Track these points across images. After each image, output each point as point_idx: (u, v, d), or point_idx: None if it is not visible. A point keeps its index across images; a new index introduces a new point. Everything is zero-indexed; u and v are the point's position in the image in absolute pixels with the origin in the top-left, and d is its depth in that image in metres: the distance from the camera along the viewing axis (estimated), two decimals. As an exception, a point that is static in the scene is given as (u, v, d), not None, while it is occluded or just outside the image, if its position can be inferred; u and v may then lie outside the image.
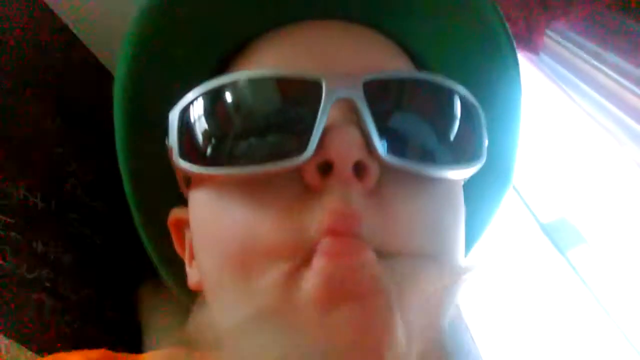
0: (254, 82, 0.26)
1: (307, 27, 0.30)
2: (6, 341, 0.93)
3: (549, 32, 1.00)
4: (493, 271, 0.99)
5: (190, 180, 0.29)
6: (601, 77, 0.83)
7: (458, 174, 0.27)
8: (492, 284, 0.97)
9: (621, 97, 0.84)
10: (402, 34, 0.31)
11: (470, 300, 0.97)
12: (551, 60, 0.97)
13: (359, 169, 0.23)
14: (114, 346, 1.18)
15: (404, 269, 0.23)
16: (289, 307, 0.22)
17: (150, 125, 0.31)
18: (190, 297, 0.35)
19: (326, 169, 0.24)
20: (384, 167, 0.24)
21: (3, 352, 0.92)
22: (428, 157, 0.26)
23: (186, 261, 0.33)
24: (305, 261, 0.23)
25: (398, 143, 0.25)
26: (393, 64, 0.29)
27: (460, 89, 0.27)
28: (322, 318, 0.22)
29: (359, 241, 0.22)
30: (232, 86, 0.26)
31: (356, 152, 0.23)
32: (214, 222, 0.26)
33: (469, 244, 0.32)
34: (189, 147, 0.26)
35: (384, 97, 0.26)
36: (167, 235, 0.34)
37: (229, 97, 0.26)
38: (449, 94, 0.27)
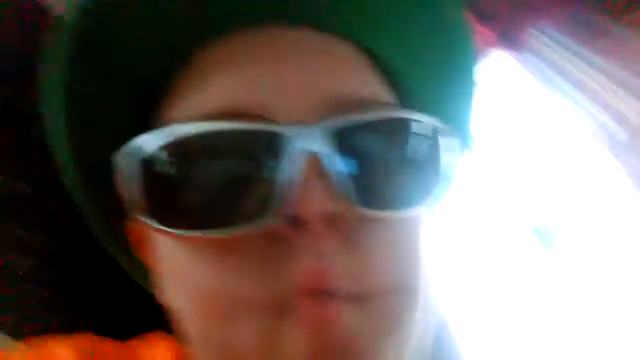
0: (213, 135, 0.24)
1: (262, 39, 0.27)
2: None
3: (532, 30, 1.02)
4: (479, 279, 1.00)
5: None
6: (583, 77, 0.85)
7: (426, 208, 0.27)
8: (480, 290, 0.99)
9: (603, 98, 0.86)
10: (365, 38, 0.29)
11: (458, 308, 0.98)
12: (534, 58, 0.98)
13: (330, 220, 0.23)
14: (99, 333, 1.17)
15: (379, 308, 0.24)
16: (273, 355, 0.23)
17: (92, 130, 0.29)
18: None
19: (297, 221, 0.23)
20: (354, 214, 0.24)
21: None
22: (398, 200, 0.25)
23: (151, 268, 0.32)
24: (284, 316, 0.23)
25: (368, 191, 0.24)
26: (363, 83, 0.28)
27: (428, 120, 0.26)
28: None
29: (335, 300, 0.22)
30: (187, 139, 0.24)
31: (324, 206, 0.22)
32: (183, 273, 0.25)
33: None
34: (153, 204, 0.24)
35: (350, 143, 0.24)
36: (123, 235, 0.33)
37: (189, 150, 0.24)
38: (415, 128, 0.26)
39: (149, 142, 0.24)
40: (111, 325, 1.20)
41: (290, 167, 0.23)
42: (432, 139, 0.27)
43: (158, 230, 0.25)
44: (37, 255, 1.08)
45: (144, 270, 0.33)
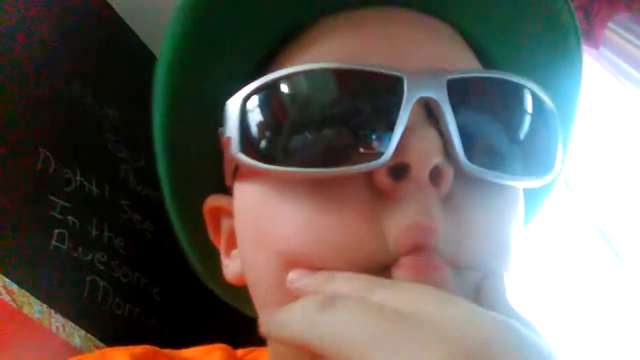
0: (327, 74, 0.24)
1: (379, 13, 0.27)
2: (62, 320, 0.98)
3: (610, 24, 0.95)
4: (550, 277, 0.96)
5: (238, 171, 0.27)
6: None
7: (531, 184, 0.25)
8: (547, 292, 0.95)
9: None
10: (467, 25, 0.29)
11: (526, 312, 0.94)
12: (612, 54, 0.92)
13: (434, 174, 0.22)
14: (161, 330, 1.22)
15: (475, 284, 0.23)
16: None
17: (191, 109, 0.30)
18: (223, 286, 0.34)
19: (400, 171, 0.22)
20: (459, 173, 0.23)
21: (60, 330, 0.97)
22: (505, 165, 0.24)
23: (222, 251, 0.32)
24: (380, 271, 0.22)
25: (477, 149, 0.23)
26: (466, 60, 0.27)
27: (541, 93, 0.25)
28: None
29: (438, 258, 0.21)
30: (303, 77, 0.24)
31: (435, 156, 0.22)
32: (272, 220, 0.24)
33: None
34: (252, 141, 0.24)
35: (467, 98, 0.24)
36: (200, 221, 0.33)
37: (298, 88, 0.24)
38: (530, 97, 0.25)
39: (260, 82, 0.25)
40: (171, 322, 1.24)
41: (407, 114, 0.22)
42: (543, 115, 0.26)
43: (257, 171, 0.24)
44: (106, 251, 1.13)
45: (211, 262, 0.33)
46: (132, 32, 1.44)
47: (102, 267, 1.11)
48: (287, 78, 0.24)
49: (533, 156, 0.25)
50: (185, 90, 0.29)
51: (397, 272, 0.21)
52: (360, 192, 0.23)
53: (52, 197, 1.06)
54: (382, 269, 0.22)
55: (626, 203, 0.93)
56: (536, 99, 0.25)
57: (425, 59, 0.25)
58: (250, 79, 0.26)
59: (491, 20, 0.29)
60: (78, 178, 1.13)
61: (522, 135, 0.25)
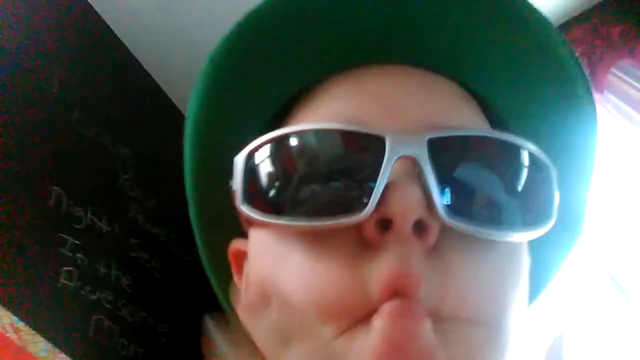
0: (318, 135, 0.26)
1: (379, 71, 0.30)
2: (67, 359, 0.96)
3: (614, 70, 0.97)
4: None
5: (242, 218, 0.30)
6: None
7: (523, 237, 0.26)
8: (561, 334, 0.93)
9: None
10: (472, 82, 0.30)
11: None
12: (616, 99, 0.94)
13: (419, 227, 0.23)
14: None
15: (457, 336, 0.23)
16: None
17: (217, 163, 0.32)
18: None
19: (386, 224, 0.23)
20: (445, 226, 0.24)
21: (64, 369, 0.95)
22: (492, 219, 0.25)
23: (242, 292, 0.33)
24: (363, 319, 0.23)
25: (460, 203, 0.24)
26: (461, 115, 0.28)
27: (531, 147, 0.26)
28: None
29: (418, 306, 0.22)
30: (296, 136, 0.26)
31: (417, 211, 0.23)
32: (272, 268, 0.26)
33: (533, 295, 0.31)
34: (252, 193, 0.27)
35: (448, 155, 0.25)
36: (228, 265, 0.35)
37: (293, 147, 0.26)
38: (518, 152, 0.26)
39: (262, 140, 0.27)
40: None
41: (389, 170, 0.24)
42: (535, 169, 0.26)
43: (258, 222, 0.27)
44: (113, 289, 1.13)
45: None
46: (148, 74, 1.48)
47: (108, 306, 1.10)
48: (282, 138, 0.27)
49: (523, 210, 0.26)
50: (208, 146, 0.33)
51: (375, 322, 0.22)
52: (349, 244, 0.24)
53: (62, 234, 1.06)
54: (365, 317, 0.23)
55: (637, 247, 0.92)
56: (525, 154, 0.26)
57: (417, 115, 0.27)
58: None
59: (494, 73, 0.30)
60: (89, 216, 1.14)
61: (511, 190, 0.26)
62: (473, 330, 0.23)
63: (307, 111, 0.30)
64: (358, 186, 0.25)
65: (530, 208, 0.26)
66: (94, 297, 1.08)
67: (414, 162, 0.24)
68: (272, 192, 0.26)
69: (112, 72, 1.39)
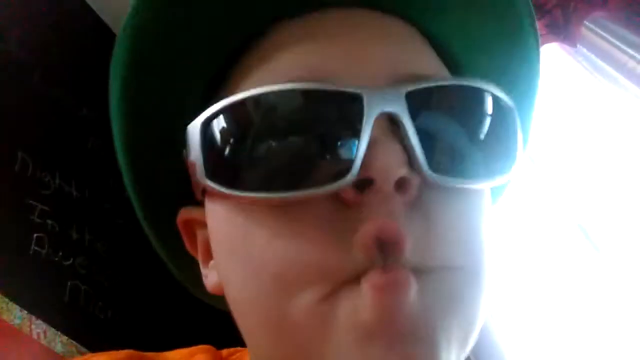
0: (285, 94, 0.24)
1: (333, 16, 0.27)
2: (44, 326, 0.96)
3: (587, 22, 0.97)
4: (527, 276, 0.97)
5: (205, 189, 0.27)
6: (642, 70, 0.80)
7: (495, 183, 0.26)
8: (527, 285, 0.96)
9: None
10: (426, 23, 0.29)
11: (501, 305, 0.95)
12: (589, 52, 0.94)
13: (400, 184, 0.22)
14: (144, 332, 1.20)
15: (440, 284, 0.23)
16: (324, 327, 0.22)
17: (153, 130, 0.30)
18: (204, 294, 0.34)
19: (363, 184, 0.22)
20: (424, 180, 0.23)
21: (41, 336, 0.95)
22: (468, 170, 0.25)
23: (200, 260, 0.32)
24: (347, 282, 0.22)
25: (440, 157, 0.24)
26: (427, 62, 0.28)
27: (498, 92, 0.26)
28: (358, 350, 0.21)
29: (404, 271, 0.22)
30: (263, 98, 0.24)
31: (399, 169, 0.22)
32: (244, 239, 0.25)
33: None
34: (216, 165, 0.25)
35: (425, 108, 0.24)
36: (175, 232, 0.33)
37: (258, 111, 0.24)
38: (488, 99, 0.26)
39: (220, 106, 0.24)
40: (156, 325, 1.23)
41: (365, 129, 0.23)
42: (501, 113, 0.26)
43: (224, 195, 0.24)
44: (87, 255, 1.12)
45: (191, 270, 0.33)
46: (112, 33, 1.42)
47: (83, 272, 1.09)
48: (245, 101, 0.24)
49: (495, 156, 0.26)
50: (142, 110, 0.29)
51: (364, 290, 0.22)
52: (325, 209, 0.23)
53: (30, 201, 1.04)
54: (353, 279, 0.22)
55: (606, 199, 0.95)
56: (495, 100, 0.26)
57: (383, 64, 0.26)
58: (210, 93, 0.26)
59: (450, 16, 0.29)
60: (57, 181, 1.11)
61: (484, 138, 0.25)
62: (456, 275, 0.23)
63: (258, 67, 0.27)
64: (336, 149, 0.23)
65: (501, 154, 0.26)
66: (67, 262, 1.07)
67: (392, 118, 0.23)
68: (239, 164, 0.24)
69: (76, 34, 1.33)
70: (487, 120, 0.26)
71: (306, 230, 0.23)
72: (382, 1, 0.28)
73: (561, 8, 1.03)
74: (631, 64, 0.84)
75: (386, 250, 0.22)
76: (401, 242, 0.22)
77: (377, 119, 0.23)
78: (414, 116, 0.23)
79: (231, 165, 0.24)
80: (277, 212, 0.24)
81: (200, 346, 0.38)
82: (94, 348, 1.02)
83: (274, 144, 0.24)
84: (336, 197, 0.23)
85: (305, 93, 0.24)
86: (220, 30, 0.28)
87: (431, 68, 0.28)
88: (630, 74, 0.85)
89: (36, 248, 1.02)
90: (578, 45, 0.98)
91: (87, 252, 1.12)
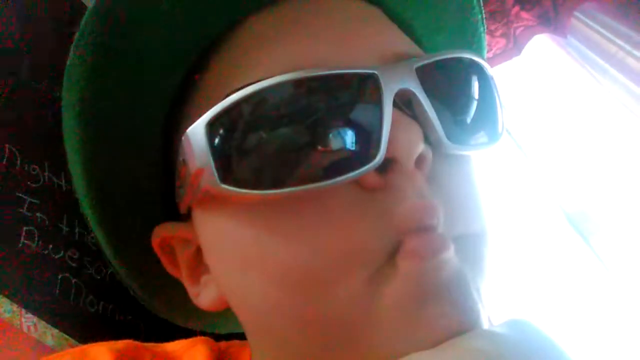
0: (299, 84, 0.22)
1: (297, 7, 0.27)
2: (35, 320, 0.96)
3: (577, 13, 0.97)
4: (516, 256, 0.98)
5: (196, 198, 0.26)
6: (632, 61, 0.81)
7: (493, 148, 0.27)
8: (515, 271, 0.97)
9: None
10: (392, 4, 0.30)
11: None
12: (579, 43, 0.94)
13: (419, 160, 0.23)
14: (137, 326, 1.20)
15: (470, 250, 0.24)
16: (372, 314, 0.22)
17: (116, 139, 0.28)
18: (177, 313, 0.35)
19: (385, 165, 0.22)
20: (435, 152, 0.24)
21: (32, 329, 0.95)
22: (475, 137, 0.26)
23: (185, 280, 0.30)
24: (384, 265, 0.22)
25: (452, 128, 0.24)
26: (406, 40, 0.29)
27: (484, 64, 0.27)
28: (418, 315, 0.22)
29: (441, 236, 0.22)
30: (275, 91, 0.22)
31: (419, 147, 0.23)
32: (258, 244, 0.23)
33: None
34: (232, 167, 0.23)
35: (432, 82, 0.24)
36: (140, 257, 0.31)
37: (273, 104, 0.23)
38: (479, 69, 0.27)
39: (228, 103, 0.23)
40: (146, 319, 1.22)
41: (386, 109, 0.22)
42: (488, 82, 0.27)
43: (242, 195, 0.23)
44: (77, 248, 1.11)
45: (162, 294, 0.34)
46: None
47: (73, 265, 1.09)
48: (255, 95, 0.23)
49: (489, 122, 0.27)
50: (102, 119, 0.27)
51: (402, 263, 0.22)
52: (351, 196, 0.23)
53: (19, 194, 1.03)
54: (389, 259, 0.22)
55: (593, 187, 0.96)
56: (483, 70, 0.27)
57: (370, 44, 0.26)
58: (181, 95, 0.25)
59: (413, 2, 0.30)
60: (46, 174, 1.10)
61: (480, 106, 0.27)
62: (478, 240, 0.25)
63: (240, 62, 0.26)
64: (358, 133, 0.22)
65: (492, 120, 0.27)
66: (58, 256, 1.06)
67: (408, 95, 0.23)
68: (257, 163, 0.23)
69: (66, 25, 1.31)
70: (481, 89, 0.27)
71: (331, 222, 0.22)
72: None
73: (551, 0, 1.03)
74: (620, 54, 0.84)
75: (423, 225, 0.22)
76: (436, 218, 0.22)
77: (395, 96, 0.23)
78: (426, 90, 0.24)
79: (249, 164, 0.23)
80: (299, 207, 0.23)
81: (198, 337, 0.38)
82: (85, 342, 1.02)
83: (292, 136, 0.23)
84: (357, 182, 0.23)
85: (317, 79, 0.23)
86: (185, 29, 0.26)
87: (412, 47, 0.28)
88: (619, 65, 0.85)
89: (26, 241, 1.01)
90: (568, 36, 0.99)
91: (78, 245, 1.12)
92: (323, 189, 0.22)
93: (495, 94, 0.27)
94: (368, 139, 0.22)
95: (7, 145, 1.03)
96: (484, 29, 0.33)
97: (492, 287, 0.25)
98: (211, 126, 0.23)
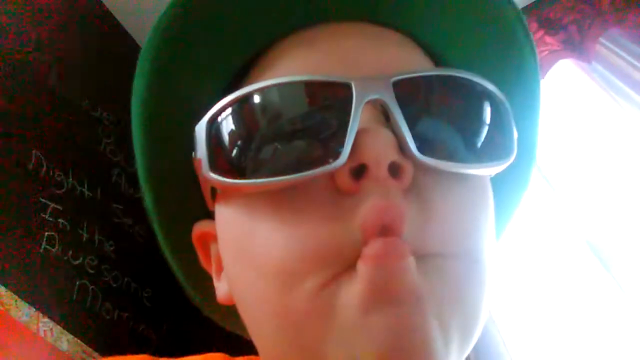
0: (282, 89, 0.25)
1: (330, 29, 0.29)
2: (51, 324, 0.97)
3: (602, 39, 0.97)
4: (530, 278, 0.97)
5: (216, 193, 0.29)
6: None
7: (490, 171, 0.26)
8: (530, 291, 0.95)
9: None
10: (422, 33, 0.31)
11: (505, 307, 0.94)
12: (604, 69, 0.93)
13: (394, 170, 0.23)
14: (149, 335, 1.20)
15: (440, 271, 0.23)
16: (326, 314, 0.22)
17: (170, 137, 0.31)
18: (217, 311, 0.35)
19: (359, 172, 0.23)
20: (418, 167, 0.24)
21: (48, 334, 0.96)
22: (460, 155, 0.25)
23: (213, 275, 0.32)
24: (348, 267, 0.22)
25: (430, 142, 0.24)
26: (415, 63, 0.29)
27: (487, 84, 0.27)
28: (362, 322, 0.22)
29: (403, 243, 0.22)
30: (260, 94, 0.25)
31: (390, 154, 0.23)
32: (247, 236, 0.25)
33: (496, 233, 0.31)
34: (218, 159, 0.26)
35: (414, 96, 0.25)
36: (192, 249, 0.33)
37: (256, 105, 0.26)
38: (477, 89, 0.26)
39: (223, 103, 0.26)
40: (161, 328, 1.22)
41: (358, 116, 0.24)
42: (492, 104, 0.27)
43: (227, 188, 0.26)
44: (96, 255, 1.12)
45: (200, 280, 0.34)
46: (128, 34, 1.44)
47: (92, 271, 1.10)
48: (244, 98, 0.26)
49: (487, 144, 0.26)
50: (162, 120, 0.31)
51: (359, 266, 0.22)
52: (323, 196, 0.24)
53: (43, 200, 1.05)
54: (350, 266, 0.22)
55: (615, 213, 0.94)
56: (482, 90, 0.27)
57: (373, 66, 0.27)
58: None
59: (443, 26, 0.30)
60: (70, 180, 1.13)
61: (473, 125, 0.26)
62: (454, 263, 0.24)
63: (262, 74, 0.29)
64: (328, 136, 0.24)
65: (493, 142, 0.26)
66: (77, 262, 1.07)
67: (381, 105, 0.24)
68: (239, 155, 0.25)
69: (93, 35, 1.35)
70: (475, 109, 0.27)
71: (305, 217, 0.24)
72: (378, 14, 0.30)
73: (577, 24, 1.03)
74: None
75: (385, 231, 0.22)
76: (399, 220, 0.22)
77: (369, 107, 0.24)
78: (401, 103, 0.24)
79: (232, 157, 0.25)
80: (278, 203, 0.24)
81: (213, 354, 0.38)
82: (99, 348, 1.02)
83: (270, 134, 0.25)
84: (334, 186, 0.24)
85: (299, 86, 0.25)
86: (231, 49, 0.30)
87: (420, 66, 0.29)
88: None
89: (47, 246, 1.03)
90: (593, 62, 0.98)
91: (97, 252, 1.13)
92: (302, 187, 0.24)
93: (505, 119, 0.27)
94: (336, 141, 0.24)
95: (34, 151, 1.06)
96: (535, 62, 0.32)
97: (475, 318, 0.24)
98: (210, 123, 0.26)
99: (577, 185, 1.02)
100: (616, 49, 0.91)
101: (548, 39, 1.01)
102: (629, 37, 0.90)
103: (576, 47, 1.02)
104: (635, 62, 0.87)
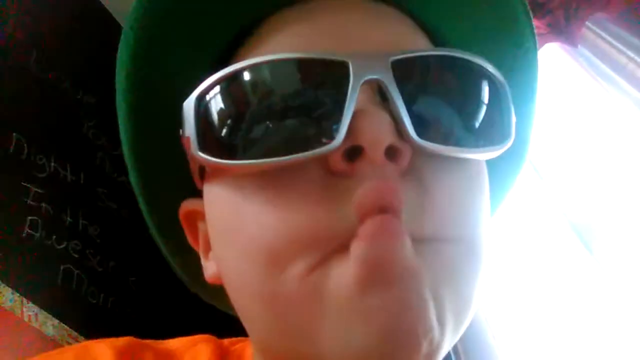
0: (275, 66, 0.24)
1: (318, 6, 0.28)
2: (35, 309, 0.96)
3: (588, 23, 0.97)
4: (519, 266, 0.98)
5: (204, 172, 0.28)
6: (642, 73, 0.80)
7: (488, 155, 0.26)
8: (517, 280, 0.96)
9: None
10: (419, 11, 0.30)
11: (493, 297, 0.96)
12: (589, 53, 0.94)
13: (391, 153, 0.22)
14: (136, 318, 1.20)
15: (437, 254, 0.23)
16: (316, 297, 0.22)
17: (156, 115, 0.30)
18: (204, 289, 0.35)
19: (354, 154, 0.22)
20: (416, 150, 0.23)
21: (33, 319, 0.95)
22: (459, 139, 0.25)
23: (201, 254, 0.32)
24: (338, 249, 0.22)
25: (428, 125, 0.24)
26: (415, 41, 0.28)
27: (489, 66, 0.26)
28: (358, 303, 0.21)
29: (399, 222, 0.21)
30: (252, 70, 0.24)
31: (388, 137, 0.22)
32: (236, 215, 0.25)
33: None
34: (208, 138, 0.25)
35: (412, 77, 0.24)
36: (178, 227, 0.33)
37: (248, 82, 0.24)
38: (477, 71, 0.26)
39: (212, 80, 0.25)
40: (147, 311, 1.23)
41: (355, 97, 0.23)
42: (491, 86, 0.26)
43: (217, 168, 0.25)
44: (81, 239, 1.11)
45: (187, 258, 0.34)
46: (112, 17, 1.41)
47: (76, 256, 1.09)
48: (235, 74, 0.24)
49: (486, 128, 0.26)
50: (147, 98, 0.29)
51: (354, 245, 0.21)
52: (315, 177, 0.23)
53: (24, 183, 1.03)
54: (340, 246, 0.22)
55: (599, 197, 0.95)
56: (483, 72, 0.26)
57: (371, 43, 0.26)
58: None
59: (442, 6, 0.30)
60: (52, 164, 1.11)
61: (472, 109, 0.26)
62: (451, 247, 0.23)
63: (254, 49, 0.28)
64: (322, 117, 0.23)
65: (492, 125, 0.26)
66: (61, 246, 1.06)
67: (379, 86, 0.23)
68: (229, 134, 0.24)
69: (74, 16, 1.32)
70: (475, 92, 0.26)
71: (296, 199, 0.23)
72: None
73: (563, 8, 1.03)
74: (631, 66, 0.84)
75: (382, 212, 0.21)
76: (397, 202, 0.21)
77: (366, 87, 0.23)
78: (400, 84, 0.23)
79: (222, 136, 0.24)
80: (268, 184, 0.24)
81: (201, 335, 0.38)
82: (85, 332, 1.02)
83: (264, 114, 0.24)
84: (327, 167, 0.23)
85: (293, 63, 0.24)
86: (220, 23, 0.28)
87: (419, 45, 0.28)
88: (630, 77, 0.85)
89: (30, 231, 1.01)
90: (579, 46, 0.98)
91: (81, 237, 1.12)
92: (294, 168, 0.23)
93: (503, 103, 0.26)
94: (332, 123, 0.23)
95: (14, 134, 1.04)
96: (534, 45, 0.31)
97: (469, 302, 0.24)
98: (199, 100, 0.25)
99: (562, 169, 1.03)
100: (602, 33, 0.91)
101: (534, 22, 1.01)
102: (615, 21, 0.90)
103: (562, 30, 1.02)
104: (621, 47, 0.87)
